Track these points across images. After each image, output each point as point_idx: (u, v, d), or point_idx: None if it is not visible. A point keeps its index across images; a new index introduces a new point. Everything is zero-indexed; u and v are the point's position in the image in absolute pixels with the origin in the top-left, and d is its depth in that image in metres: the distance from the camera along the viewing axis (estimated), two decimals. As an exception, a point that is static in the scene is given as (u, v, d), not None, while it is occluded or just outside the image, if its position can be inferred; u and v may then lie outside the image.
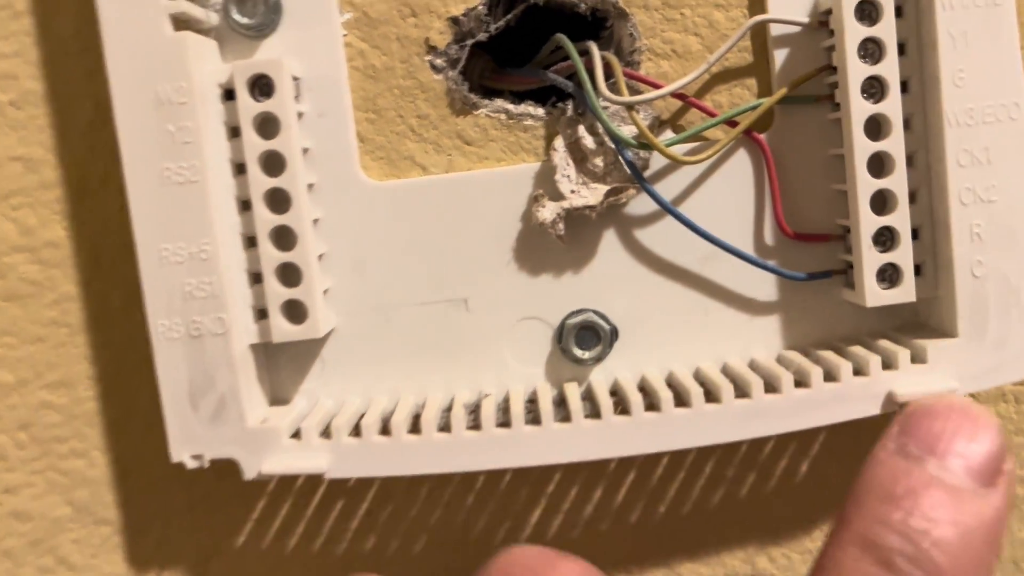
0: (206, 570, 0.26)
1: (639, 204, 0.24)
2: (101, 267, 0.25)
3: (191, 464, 0.23)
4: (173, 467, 0.23)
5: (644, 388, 0.24)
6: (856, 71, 0.22)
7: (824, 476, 0.26)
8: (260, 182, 0.23)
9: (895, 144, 0.22)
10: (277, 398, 0.25)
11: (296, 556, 0.26)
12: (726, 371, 0.24)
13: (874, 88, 0.23)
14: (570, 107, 0.24)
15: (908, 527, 0.19)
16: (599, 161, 0.24)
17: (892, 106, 0.22)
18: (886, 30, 0.22)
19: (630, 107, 0.23)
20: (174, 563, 0.26)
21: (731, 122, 0.24)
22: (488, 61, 0.27)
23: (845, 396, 0.23)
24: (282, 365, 0.25)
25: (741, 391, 0.23)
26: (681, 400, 0.23)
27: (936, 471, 0.20)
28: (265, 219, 0.23)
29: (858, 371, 0.23)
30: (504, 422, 0.23)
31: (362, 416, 0.23)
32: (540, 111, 0.25)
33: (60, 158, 0.25)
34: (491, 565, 0.20)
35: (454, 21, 0.24)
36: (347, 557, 0.26)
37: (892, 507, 0.19)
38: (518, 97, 0.26)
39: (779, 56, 0.24)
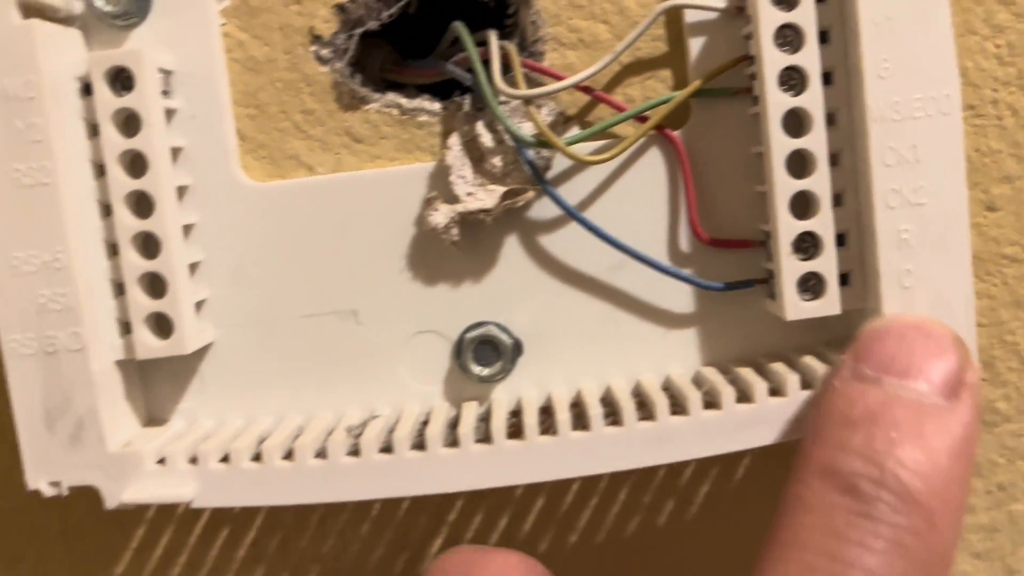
0: (82, 603, 0.24)
1: (543, 208, 0.22)
2: (-37, 276, 0.23)
3: (48, 491, 0.21)
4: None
5: (548, 408, 0.22)
6: (773, 61, 0.20)
7: (750, 503, 0.24)
8: (121, 184, 0.21)
9: (816, 141, 0.20)
10: (154, 417, 0.23)
11: (178, 588, 0.24)
12: (636, 390, 0.22)
13: (794, 80, 0.21)
14: (468, 102, 0.22)
15: (870, 449, 0.18)
16: (498, 161, 0.22)
17: (813, 99, 0.20)
18: (805, 16, 0.20)
19: (528, 101, 0.21)
20: (47, 595, 0.24)
21: (642, 117, 0.22)
22: (390, 52, 0.25)
23: (759, 419, 0.21)
24: (158, 382, 0.23)
25: (648, 412, 0.21)
26: (582, 422, 0.21)
27: (895, 389, 0.19)
28: (127, 224, 0.21)
29: (775, 391, 0.21)
30: (387, 447, 0.21)
31: (235, 439, 0.21)
32: (436, 106, 0.23)
33: (-84, 158, 0.23)
34: (429, 567, 0.20)
35: (341, 9, 0.22)
36: (233, 589, 0.24)
37: (851, 431, 0.18)
38: (423, 90, 0.24)
39: (695, 45, 0.22)
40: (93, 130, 0.21)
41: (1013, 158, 0.23)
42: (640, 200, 0.22)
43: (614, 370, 0.23)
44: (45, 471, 0.21)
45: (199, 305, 0.22)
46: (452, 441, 0.21)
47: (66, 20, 0.21)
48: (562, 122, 0.22)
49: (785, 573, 0.17)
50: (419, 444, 0.21)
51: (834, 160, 0.21)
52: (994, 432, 0.24)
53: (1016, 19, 0.22)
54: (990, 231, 0.23)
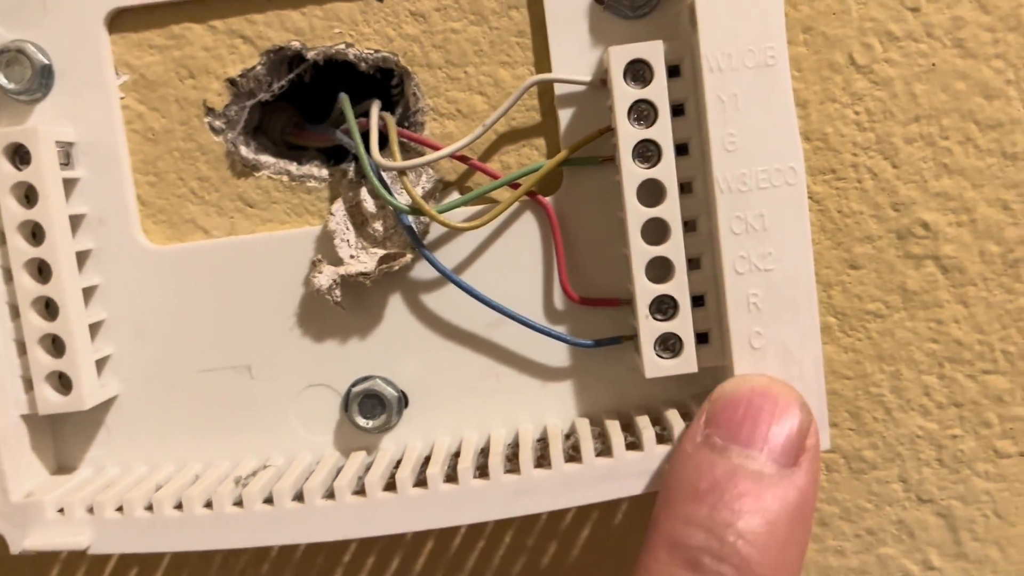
0: (1, 638, 0.26)
1: (423, 269, 0.23)
2: None
3: (-44, 538, 0.22)
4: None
5: (429, 460, 0.23)
6: (627, 134, 0.22)
7: (629, 545, 0.25)
8: (21, 252, 0.22)
9: (671, 210, 0.22)
10: (63, 465, 0.24)
11: (90, 624, 0.25)
12: (514, 441, 0.23)
13: (650, 151, 0.22)
14: (352, 169, 0.24)
15: (713, 522, 0.19)
16: (379, 225, 0.23)
17: (666, 170, 0.22)
18: (657, 92, 0.21)
19: (403, 171, 0.22)
20: (-33, 631, 0.26)
21: (515, 184, 0.23)
22: (292, 115, 0.26)
23: (617, 473, 0.22)
24: (67, 433, 0.24)
25: (515, 465, 0.22)
26: (454, 475, 0.22)
27: (739, 459, 0.20)
28: (27, 289, 0.22)
29: (633, 444, 0.22)
30: (268, 498, 0.22)
31: (132, 489, 0.23)
32: (324, 172, 0.24)
33: None
34: None
35: (231, 82, 0.24)
36: (141, 626, 0.25)
37: (697, 504, 0.19)
38: (322, 152, 0.25)
39: (565, 116, 0.23)
40: (-4, 201, 0.22)
41: (874, 219, 0.24)
42: (514, 262, 0.23)
43: (495, 421, 0.24)
44: (-47, 519, 0.23)
45: (103, 361, 0.24)
46: (330, 493, 0.22)
47: (-29, 97, 0.23)
48: (441, 188, 0.24)
49: None
50: (299, 496, 0.22)
51: (692, 226, 0.22)
52: (862, 479, 0.25)
53: (873, 87, 0.23)
54: (853, 288, 0.24)
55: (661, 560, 0.19)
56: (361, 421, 0.24)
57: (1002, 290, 0.24)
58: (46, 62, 0.23)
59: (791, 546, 0.19)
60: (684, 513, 0.19)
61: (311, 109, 0.26)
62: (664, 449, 0.22)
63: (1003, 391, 0.24)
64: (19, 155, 0.22)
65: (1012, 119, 0.23)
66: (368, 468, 0.23)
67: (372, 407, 0.24)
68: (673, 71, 0.22)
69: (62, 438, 0.24)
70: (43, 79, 0.23)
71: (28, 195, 0.22)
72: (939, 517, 0.25)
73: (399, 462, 0.23)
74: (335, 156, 0.25)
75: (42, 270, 0.23)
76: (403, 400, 0.24)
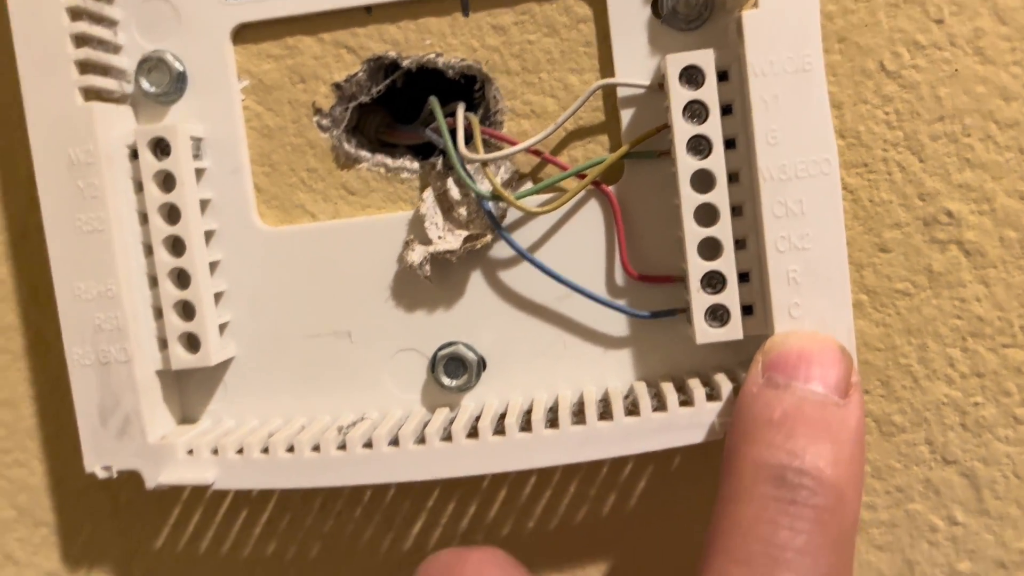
0: (129, 568, 0.29)
1: (500, 248, 0.27)
2: (39, 302, 0.29)
3: (101, 474, 0.26)
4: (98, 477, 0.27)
5: (505, 415, 0.27)
6: (682, 131, 0.25)
7: (680, 496, 0.28)
8: (160, 230, 0.26)
9: (720, 196, 0.25)
10: (187, 417, 0.28)
11: (206, 558, 0.29)
12: (579, 400, 0.27)
13: (702, 145, 0.25)
14: (440, 162, 0.27)
15: (792, 444, 0.22)
16: (463, 210, 0.27)
17: (716, 162, 0.25)
18: (708, 94, 0.25)
19: (485, 163, 0.26)
20: (101, 561, 0.29)
21: (581, 175, 0.26)
22: (385, 117, 0.30)
23: (671, 425, 0.25)
24: (191, 389, 0.28)
25: (582, 418, 0.25)
26: (529, 425, 0.26)
27: (802, 392, 0.23)
28: (164, 262, 0.26)
29: (686, 402, 0.25)
30: (368, 443, 0.26)
31: (249, 436, 0.27)
32: (415, 165, 0.28)
33: (4, 208, 0.28)
34: (415, 573, 0.23)
35: (337, 87, 0.27)
36: (250, 560, 0.29)
37: (774, 431, 0.22)
38: (410, 149, 0.29)
39: (625, 116, 0.26)
40: (138, 187, 0.26)
41: (902, 207, 0.27)
42: (581, 242, 0.27)
43: (562, 383, 0.27)
44: (99, 458, 0.26)
45: (223, 327, 0.27)
46: (422, 439, 0.26)
47: (119, 99, 0.27)
48: (517, 178, 0.27)
49: (729, 556, 0.21)
50: (395, 441, 0.26)
51: (738, 211, 0.25)
52: (892, 441, 0.28)
53: (902, 90, 0.26)
54: (883, 269, 0.27)
55: (747, 480, 0.22)
56: (445, 381, 0.27)
57: (1020, 271, 0.27)
58: (181, 69, 0.27)
59: (855, 462, 0.22)
60: (763, 439, 0.22)
61: (398, 111, 0.30)
62: (714, 405, 0.25)
63: (1021, 363, 0.27)
64: (160, 147, 0.26)
65: (1028, 118, 0.26)
66: (452, 421, 0.26)
67: (455, 369, 0.27)
68: (722, 76, 0.25)
69: (187, 393, 0.28)
70: (178, 84, 0.27)
71: (165, 182, 0.26)
72: (963, 477, 0.27)
73: (478, 417, 0.27)
74: (422, 152, 0.29)
75: (175, 246, 0.26)
76: (482, 363, 0.27)
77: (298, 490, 0.29)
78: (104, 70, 0.26)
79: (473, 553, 0.23)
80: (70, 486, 0.29)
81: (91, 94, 0.26)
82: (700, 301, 0.25)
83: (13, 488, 0.29)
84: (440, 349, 0.27)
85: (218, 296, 0.27)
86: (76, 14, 0.25)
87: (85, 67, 0.26)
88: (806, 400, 0.22)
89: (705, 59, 0.24)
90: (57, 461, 0.29)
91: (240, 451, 0.26)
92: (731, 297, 0.25)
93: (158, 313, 0.27)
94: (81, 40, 0.26)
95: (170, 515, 0.29)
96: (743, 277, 0.25)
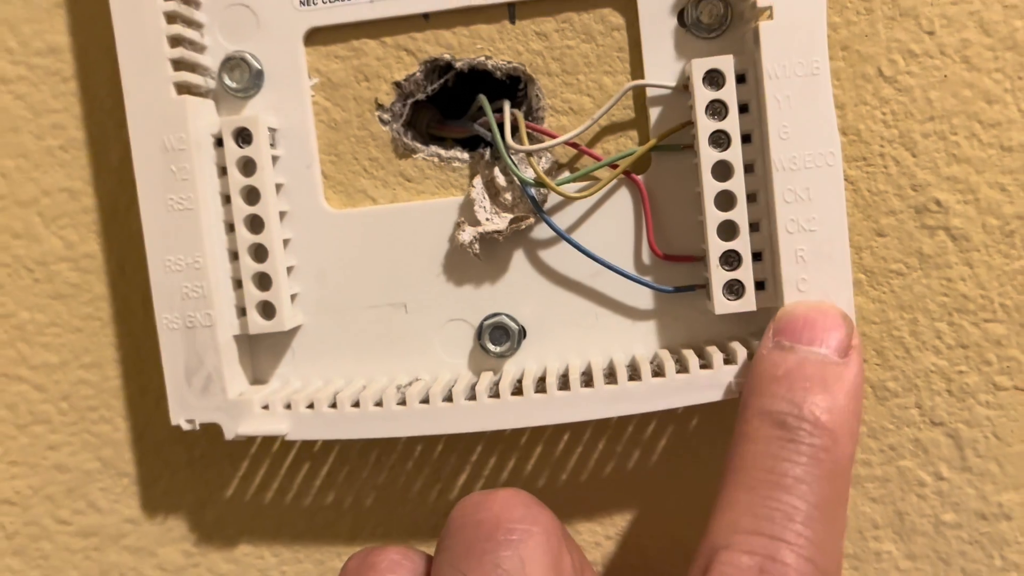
0: (202, 516, 0.33)
1: (541, 230, 0.30)
2: (125, 274, 0.32)
3: (185, 426, 0.30)
4: (177, 431, 0.31)
5: (543, 378, 0.30)
6: (705, 126, 0.28)
7: (698, 454, 0.31)
8: (241, 210, 0.29)
9: (737, 184, 0.28)
10: (258, 378, 0.32)
11: (272, 507, 0.32)
12: (609, 365, 0.30)
13: (722, 139, 0.28)
14: (488, 153, 0.31)
15: (792, 393, 0.25)
16: (508, 196, 0.30)
17: (734, 154, 0.28)
18: (728, 94, 0.28)
19: (530, 154, 0.29)
20: (177, 509, 0.33)
21: (614, 165, 0.30)
22: (435, 113, 0.33)
23: (693, 384, 0.28)
24: (262, 353, 0.31)
25: (613, 379, 0.29)
26: (566, 385, 0.29)
27: (804, 353, 0.26)
28: (245, 239, 0.30)
29: (705, 365, 0.29)
30: (424, 399, 0.29)
31: (317, 393, 0.30)
32: (465, 155, 0.31)
33: (96, 189, 0.32)
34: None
35: (397, 85, 0.31)
36: (311, 508, 0.32)
37: (777, 384, 0.25)
38: (457, 142, 0.32)
39: (653, 113, 0.30)
40: (221, 171, 0.30)
41: (896, 197, 0.30)
42: (612, 225, 0.30)
43: (594, 350, 0.31)
44: (183, 412, 0.30)
45: (293, 297, 0.31)
46: (471, 396, 0.29)
47: (205, 94, 0.30)
48: (556, 168, 0.30)
49: (737, 485, 0.25)
50: (448, 398, 0.29)
51: (752, 198, 0.29)
52: (885, 405, 0.31)
53: (897, 93, 0.30)
54: (879, 252, 0.30)
55: (754, 425, 0.25)
56: (490, 347, 0.30)
57: (1000, 255, 0.30)
58: (259, 67, 0.30)
59: (849, 413, 0.25)
60: (769, 391, 0.25)
61: (446, 107, 0.33)
62: (730, 368, 0.28)
63: (1001, 336, 0.30)
64: (242, 136, 0.29)
65: (1009, 119, 0.30)
66: (497, 382, 0.30)
67: (499, 337, 0.31)
68: (740, 78, 0.28)
69: (258, 357, 0.31)
70: (256, 80, 0.30)
71: (246, 167, 0.30)
72: (948, 437, 0.31)
73: (520, 379, 0.30)
74: (467, 144, 0.32)
75: (253, 224, 0.30)
76: (523, 332, 0.31)
77: (355, 444, 0.32)
78: (192, 67, 0.30)
79: (499, 493, 0.26)
80: (149, 440, 0.33)
81: (182, 88, 0.29)
82: (719, 277, 0.28)
83: (98, 442, 0.33)
84: (486, 319, 0.31)
85: (289, 270, 0.31)
86: (171, 18, 0.29)
87: (178, 65, 0.29)
88: (807, 360, 0.26)
89: (726, 64, 0.28)
90: (139, 417, 0.32)
91: (310, 406, 0.30)
92: (746, 273, 0.28)
93: (236, 284, 0.30)
94: (175, 41, 0.29)
95: (239, 467, 0.32)
96: (756, 256, 0.29)
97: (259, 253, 0.30)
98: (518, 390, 0.29)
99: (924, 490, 0.31)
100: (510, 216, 0.30)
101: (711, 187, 0.28)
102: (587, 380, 0.29)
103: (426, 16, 0.30)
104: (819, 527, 0.23)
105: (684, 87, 0.29)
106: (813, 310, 0.27)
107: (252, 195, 0.30)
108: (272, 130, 0.30)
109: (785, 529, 0.23)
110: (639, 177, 0.30)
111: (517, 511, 0.25)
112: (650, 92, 0.30)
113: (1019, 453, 0.31)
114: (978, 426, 0.31)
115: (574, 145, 0.30)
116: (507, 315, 0.31)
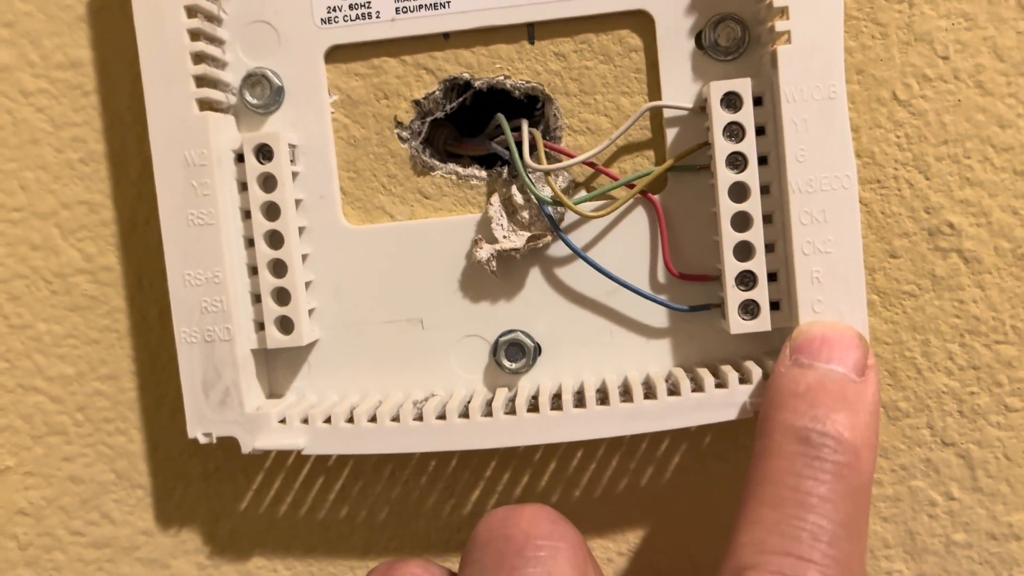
0: (216, 528, 0.33)
1: (557, 248, 0.31)
2: (143, 287, 0.32)
3: (203, 440, 0.30)
4: (192, 444, 0.31)
5: (559, 394, 0.30)
6: (722, 148, 0.28)
7: (710, 473, 0.32)
8: (261, 225, 0.30)
9: (753, 206, 0.29)
10: (274, 392, 0.32)
11: (285, 520, 0.33)
12: (624, 383, 0.30)
13: (738, 161, 0.29)
14: (506, 171, 0.31)
15: (815, 410, 0.25)
16: (526, 214, 0.30)
17: (751, 176, 0.28)
18: (745, 117, 0.28)
19: (547, 172, 0.29)
20: (191, 521, 0.33)
21: (630, 185, 0.30)
22: (452, 131, 0.33)
23: (707, 403, 0.29)
24: (278, 367, 0.32)
25: (629, 398, 0.29)
26: (581, 403, 0.29)
27: (824, 371, 0.26)
28: (264, 254, 0.30)
29: (720, 384, 0.29)
30: (441, 415, 0.29)
31: (334, 408, 0.30)
32: (483, 173, 0.31)
33: (115, 202, 0.32)
34: None
35: (416, 103, 0.31)
36: (325, 522, 0.32)
37: (799, 400, 0.26)
38: (475, 160, 0.33)
39: (670, 134, 0.30)
40: (242, 187, 0.30)
41: (910, 219, 0.30)
42: (629, 244, 0.30)
43: (609, 368, 0.31)
44: (200, 425, 0.30)
45: (310, 312, 0.31)
46: (488, 413, 0.29)
47: (226, 110, 0.31)
48: (573, 187, 0.31)
49: (761, 502, 0.25)
50: (464, 414, 0.29)
51: (768, 219, 0.29)
52: (897, 425, 0.31)
53: (911, 117, 0.30)
54: (893, 273, 0.31)
55: (776, 440, 0.25)
56: (506, 364, 0.31)
57: (1012, 278, 0.30)
58: (279, 84, 0.31)
59: (870, 429, 0.25)
60: (791, 406, 0.26)
61: (462, 125, 0.34)
62: (745, 388, 0.28)
63: (1012, 358, 0.31)
64: (262, 153, 0.30)
65: (1021, 144, 0.30)
66: (512, 398, 0.30)
67: (514, 353, 0.31)
68: (757, 101, 0.29)
69: (275, 371, 0.32)
70: (276, 97, 0.31)
71: (266, 183, 0.30)
72: (959, 458, 0.31)
73: (535, 395, 0.30)
74: (483, 162, 0.32)
75: (273, 239, 0.30)
76: (538, 349, 0.31)
77: (370, 459, 0.32)
78: (214, 84, 0.30)
79: (526, 508, 0.26)
80: (164, 453, 0.33)
81: (204, 104, 0.29)
82: (734, 297, 0.29)
83: (113, 453, 0.33)
84: (501, 336, 0.31)
85: (307, 285, 0.31)
86: (194, 35, 0.29)
87: (201, 81, 0.29)
88: (827, 376, 0.26)
89: (743, 87, 0.28)
90: (154, 430, 0.33)
91: (327, 420, 0.30)
92: (761, 294, 0.29)
93: (255, 298, 0.30)
94: (198, 58, 0.29)
95: (254, 481, 0.33)
96: (772, 276, 0.29)
97: (278, 268, 0.30)
98: (533, 407, 0.29)
99: (935, 510, 0.31)
100: (527, 234, 0.30)
101: (727, 208, 0.29)
102: (602, 398, 0.29)
103: (446, 35, 0.31)
104: (844, 546, 0.23)
105: (701, 109, 0.30)
106: (830, 330, 0.27)
107: (272, 211, 0.30)
108: (292, 146, 0.30)
109: (813, 550, 0.23)
110: (655, 197, 0.30)
111: (544, 526, 0.26)
112: (667, 113, 0.30)
113: (1029, 474, 0.31)
114: (989, 447, 0.31)
115: (591, 164, 0.31)
116: (523, 332, 0.31)
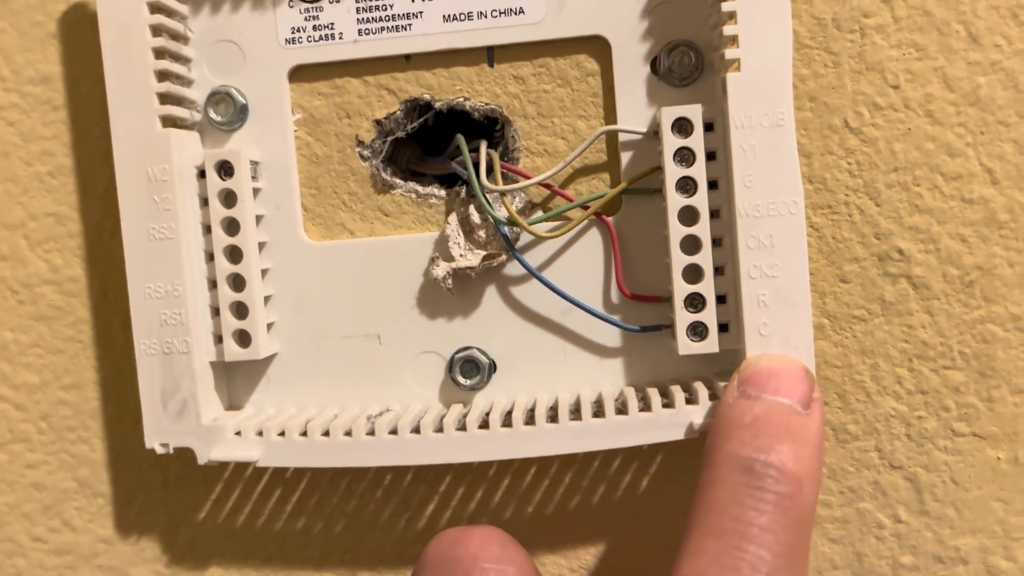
0: (175, 537, 0.33)
1: (513, 267, 0.31)
2: (107, 299, 0.33)
3: (160, 450, 0.30)
4: (153, 454, 0.31)
5: (511, 411, 0.31)
6: (672, 172, 0.29)
7: (660, 492, 0.32)
8: (221, 240, 0.30)
9: (703, 229, 0.29)
10: (233, 404, 0.32)
11: (243, 530, 0.33)
12: (576, 400, 0.31)
13: (689, 185, 0.29)
14: (464, 190, 0.31)
15: (759, 440, 0.26)
16: (482, 233, 0.31)
17: (700, 200, 0.29)
18: (696, 142, 0.29)
19: (503, 193, 0.30)
20: (150, 530, 0.33)
21: (585, 206, 0.31)
22: (416, 150, 0.34)
23: (654, 423, 0.29)
24: (238, 380, 0.32)
25: (578, 416, 0.30)
26: (531, 420, 0.30)
27: (770, 403, 0.27)
28: (224, 268, 0.30)
29: (668, 404, 0.29)
30: (393, 430, 0.30)
31: (289, 421, 0.31)
32: (442, 192, 0.32)
33: (82, 215, 0.33)
34: (424, 551, 0.27)
35: (378, 123, 0.32)
36: (282, 533, 0.33)
37: (745, 431, 0.26)
38: (439, 180, 0.33)
39: (624, 157, 0.31)
40: (203, 202, 0.31)
41: (860, 245, 0.31)
42: (583, 265, 0.31)
43: (562, 386, 0.31)
44: (158, 436, 0.30)
45: (269, 326, 0.31)
46: (439, 429, 0.30)
47: (191, 126, 0.31)
48: (530, 208, 0.31)
49: (704, 533, 0.25)
50: (416, 430, 0.30)
51: (718, 242, 0.30)
52: (846, 448, 0.32)
53: (862, 144, 0.31)
54: (843, 297, 0.31)
55: (721, 471, 0.26)
56: (461, 380, 0.31)
57: (960, 304, 0.31)
58: (244, 102, 0.31)
59: (813, 461, 0.26)
60: (737, 437, 0.26)
61: (427, 145, 0.34)
62: (692, 408, 0.29)
63: (959, 383, 0.31)
64: (224, 169, 0.30)
65: (970, 172, 0.30)
66: (466, 415, 0.31)
67: (469, 370, 0.31)
68: (708, 126, 0.29)
69: (234, 383, 0.32)
70: (240, 114, 0.31)
71: (227, 199, 0.30)
72: (907, 481, 0.32)
73: (488, 412, 0.31)
74: (446, 181, 0.33)
75: (233, 254, 0.31)
76: (493, 366, 0.31)
77: (327, 472, 0.33)
78: (179, 101, 0.31)
79: (476, 531, 0.27)
80: (126, 461, 0.33)
81: (167, 121, 0.30)
82: (683, 318, 0.29)
83: (75, 462, 0.33)
84: (457, 352, 0.31)
85: (266, 299, 0.31)
86: (159, 53, 0.30)
87: (164, 99, 0.30)
88: (773, 408, 0.27)
89: (694, 112, 0.29)
90: (116, 439, 0.33)
91: (282, 434, 0.30)
92: (710, 316, 0.29)
93: (214, 312, 0.31)
94: (162, 75, 0.30)
95: (213, 491, 0.33)
96: (720, 299, 0.30)
97: (237, 282, 0.31)
98: (486, 423, 0.30)
99: (883, 532, 0.32)
100: (483, 253, 0.31)
101: (677, 231, 0.29)
102: (553, 415, 0.30)
103: (408, 57, 0.31)
104: None
105: (655, 133, 0.30)
106: (777, 363, 0.28)
107: (232, 226, 0.30)
108: (254, 163, 0.31)
109: None
110: (610, 219, 0.31)
111: (493, 549, 0.26)
112: (622, 137, 0.31)
113: (976, 498, 0.31)
114: (936, 471, 0.31)
115: (547, 186, 0.31)
116: (478, 349, 0.31)
